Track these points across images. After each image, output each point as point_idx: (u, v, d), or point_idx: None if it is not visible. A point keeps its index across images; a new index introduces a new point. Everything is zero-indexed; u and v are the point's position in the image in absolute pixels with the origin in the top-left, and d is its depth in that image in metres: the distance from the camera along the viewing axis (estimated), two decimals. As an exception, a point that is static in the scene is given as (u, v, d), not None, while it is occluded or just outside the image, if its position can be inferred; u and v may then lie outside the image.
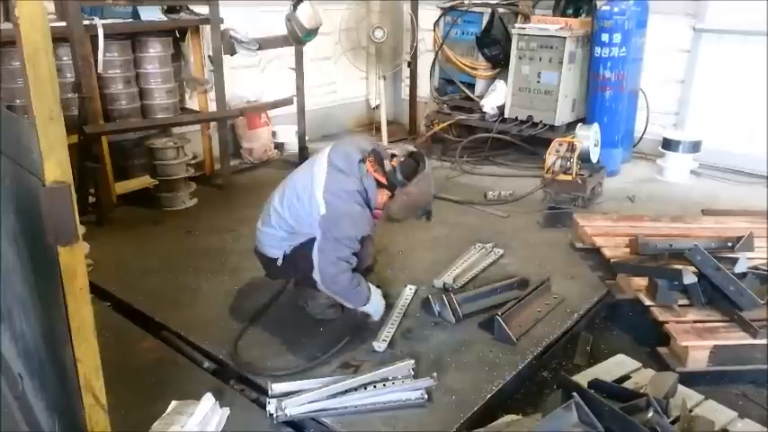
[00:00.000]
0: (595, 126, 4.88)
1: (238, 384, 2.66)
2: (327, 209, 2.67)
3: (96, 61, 4.16)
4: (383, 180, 2.76)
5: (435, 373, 2.56)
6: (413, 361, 2.62)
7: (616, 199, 4.86)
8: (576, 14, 5.54)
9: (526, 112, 5.58)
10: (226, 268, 3.63)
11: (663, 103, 5.65)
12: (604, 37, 5.09)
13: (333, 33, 6.08)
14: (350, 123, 7.00)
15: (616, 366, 2.74)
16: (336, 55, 6.42)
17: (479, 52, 5.97)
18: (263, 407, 2.44)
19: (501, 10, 5.80)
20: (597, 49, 5.17)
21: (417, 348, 2.86)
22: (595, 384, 2.38)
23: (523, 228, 4.29)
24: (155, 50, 4.58)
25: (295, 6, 4.90)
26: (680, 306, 3.05)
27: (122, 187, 4.54)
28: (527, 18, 5.78)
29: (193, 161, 4.92)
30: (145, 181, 4.59)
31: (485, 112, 5.84)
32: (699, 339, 2.81)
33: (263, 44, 5.15)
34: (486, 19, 5.85)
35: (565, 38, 5.26)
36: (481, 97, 5.96)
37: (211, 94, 5.03)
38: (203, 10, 4.74)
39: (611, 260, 3.55)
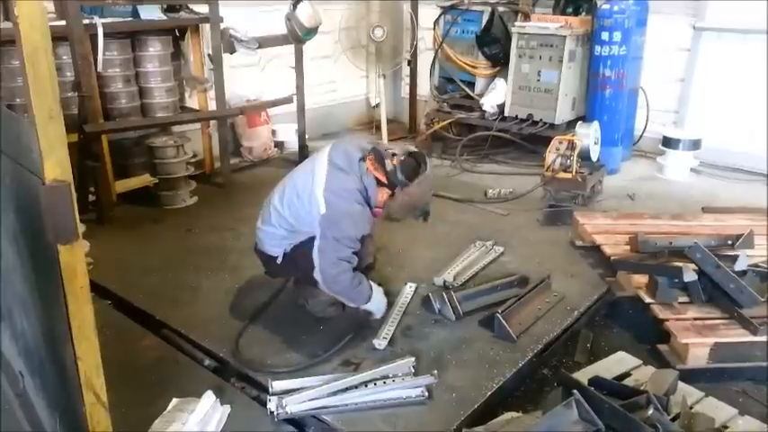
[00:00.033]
0: (595, 124, 4.88)
1: (239, 382, 2.67)
2: (328, 208, 2.67)
3: (96, 60, 4.16)
4: (383, 179, 2.76)
5: (436, 371, 2.56)
6: (413, 358, 2.62)
7: (616, 197, 4.86)
8: (576, 13, 5.54)
9: (526, 110, 5.58)
10: (226, 266, 3.64)
11: (663, 101, 5.65)
12: (604, 35, 5.09)
13: (333, 32, 6.07)
14: (350, 122, 7.00)
15: (616, 364, 2.74)
16: (336, 54, 6.41)
17: (479, 51, 5.97)
18: (264, 404, 2.44)
19: (501, 8, 5.81)
20: (597, 48, 5.17)
21: (418, 346, 2.87)
22: (596, 382, 2.39)
23: (523, 226, 4.29)
24: (154, 49, 4.58)
25: (295, 5, 4.90)
26: (680, 303, 3.05)
27: (122, 186, 4.54)
28: (527, 16, 5.77)
29: (193, 160, 4.92)
30: (145, 179, 4.59)
31: (485, 111, 5.84)
32: (699, 336, 2.81)
33: (263, 43, 5.15)
34: (486, 17, 5.86)
35: (565, 36, 5.26)
36: (481, 96, 5.96)
37: (211, 93, 5.03)
38: (203, 9, 4.74)
39: (612, 258, 3.55)
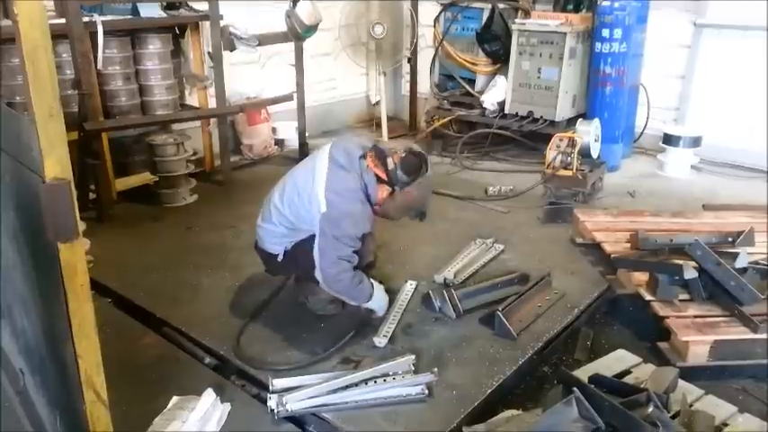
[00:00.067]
0: (596, 121, 4.87)
1: (239, 380, 2.67)
2: (328, 207, 2.67)
3: (96, 58, 4.16)
4: (383, 176, 2.75)
5: (436, 369, 2.56)
6: (413, 356, 2.62)
7: (616, 194, 4.86)
8: (577, 10, 5.52)
9: (526, 107, 5.58)
10: (226, 264, 3.64)
11: (663, 98, 5.64)
12: (605, 32, 5.08)
13: (332, 29, 6.07)
14: (350, 119, 7.00)
15: (616, 361, 2.74)
16: (336, 51, 6.41)
17: (480, 48, 5.96)
18: (264, 402, 2.44)
19: (501, 5, 5.79)
20: (598, 45, 5.17)
21: (418, 344, 2.87)
22: (596, 379, 2.39)
23: (524, 223, 4.29)
24: (154, 47, 4.58)
25: (294, 3, 4.90)
26: (680, 301, 3.05)
27: (122, 184, 4.54)
28: (527, 14, 5.76)
29: (193, 157, 4.92)
30: (145, 177, 4.59)
31: (485, 108, 5.83)
32: (699, 334, 2.81)
33: (263, 40, 5.14)
34: (486, 15, 5.84)
35: (565, 33, 5.25)
36: (481, 93, 5.95)
37: (211, 91, 5.03)
38: (203, 6, 4.73)
39: (612, 255, 3.55)
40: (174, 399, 2.45)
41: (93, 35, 4.08)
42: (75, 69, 3.99)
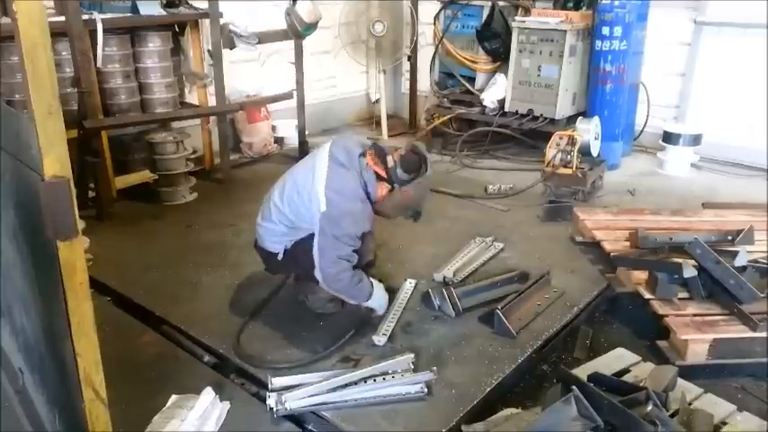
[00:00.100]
0: (596, 119, 4.87)
1: (238, 378, 2.67)
2: (328, 206, 2.66)
3: (95, 56, 4.15)
4: (383, 173, 2.75)
5: (435, 367, 2.56)
6: (413, 355, 2.62)
7: (616, 192, 4.86)
8: (577, 7, 5.52)
9: (526, 105, 5.57)
10: (226, 263, 3.63)
11: (663, 96, 5.64)
12: (605, 30, 5.08)
13: (332, 27, 6.06)
14: (350, 117, 6.99)
15: (616, 360, 2.74)
16: (336, 49, 6.40)
17: (480, 46, 5.96)
18: (264, 401, 2.44)
19: (501, 3, 5.79)
20: (598, 43, 5.16)
21: (417, 342, 2.87)
22: (595, 378, 2.39)
23: (523, 221, 4.29)
24: (154, 45, 4.57)
25: (294, 0, 4.89)
26: (680, 299, 3.05)
27: (122, 182, 4.54)
28: (527, 11, 5.75)
29: (193, 156, 4.92)
30: (144, 175, 4.58)
31: (485, 106, 5.83)
32: (698, 333, 2.81)
33: (263, 38, 5.13)
34: (486, 12, 5.84)
35: (565, 31, 5.24)
36: (481, 91, 5.95)
37: (211, 89, 5.02)
38: (202, 4, 4.73)
39: (612, 254, 3.55)
40: (173, 397, 2.45)
41: (93, 33, 4.08)
42: (74, 67, 3.98)
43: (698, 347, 2.78)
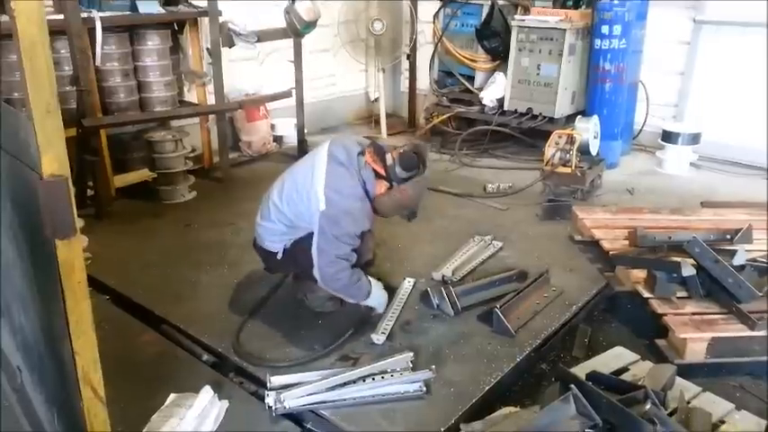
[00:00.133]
0: (595, 118, 4.87)
1: (237, 377, 2.67)
2: (328, 205, 2.66)
3: (94, 54, 4.15)
4: (382, 171, 2.74)
5: (434, 366, 2.56)
6: (411, 353, 2.62)
7: (615, 191, 4.86)
8: (576, 6, 5.52)
9: (526, 104, 5.57)
10: (225, 261, 3.63)
11: (663, 95, 5.64)
12: (604, 29, 5.08)
13: (332, 26, 6.05)
14: (349, 116, 6.99)
15: (614, 358, 2.75)
16: (335, 47, 6.39)
17: (479, 44, 5.95)
18: (262, 399, 2.44)
19: (501, 2, 5.78)
20: (597, 41, 5.16)
21: (416, 341, 2.87)
22: (593, 376, 2.39)
23: (522, 220, 4.29)
24: (153, 43, 4.56)
25: (293, -2, 4.89)
26: (678, 298, 3.05)
27: (121, 180, 4.53)
28: (527, 10, 5.75)
29: (192, 154, 4.92)
30: (143, 174, 4.58)
31: (484, 105, 5.82)
32: (697, 331, 2.81)
33: (262, 36, 5.13)
34: (485, 11, 5.83)
35: (565, 30, 5.24)
36: (481, 89, 5.94)
37: (210, 87, 5.02)
38: (202, 2, 4.73)
39: (610, 252, 3.55)
40: (172, 396, 2.45)
41: (92, 31, 4.07)
42: (73, 66, 3.98)
43: (696, 346, 2.78)
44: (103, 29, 4.12)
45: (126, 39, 4.44)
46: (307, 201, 2.74)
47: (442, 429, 2.32)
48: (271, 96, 5.42)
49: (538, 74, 5.46)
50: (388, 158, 2.72)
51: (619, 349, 2.83)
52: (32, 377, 2.02)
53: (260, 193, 3.12)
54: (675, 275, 3.06)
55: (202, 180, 4.95)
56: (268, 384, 2.50)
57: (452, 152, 5.66)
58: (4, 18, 3.73)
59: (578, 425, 2.06)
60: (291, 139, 5.86)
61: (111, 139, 4.49)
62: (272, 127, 5.94)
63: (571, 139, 4.57)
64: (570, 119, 5.30)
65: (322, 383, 2.45)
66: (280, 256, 2.93)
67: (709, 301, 3.03)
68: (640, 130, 5.77)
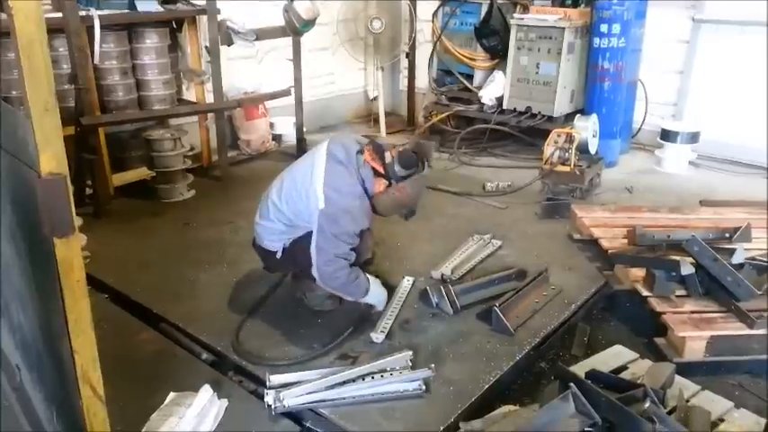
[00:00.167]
0: (594, 117, 4.87)
1: (236, 376, 2.67)
2: (327, 204, 2.66)
3: (92, 52, 4.13)
4: (380, 169, 2.74)
5: (433, 365, 2.56)
6: (411, 352, 2.63)
7: (614, 190, 4.86)
8: (575, 5, 5.51)
9: (525, 103, 5.57)
10: (224, 260, 3.63)
11: (661, 93, 5.64)
12: (603, 28, 5.08)
13: (330, 24, 6.05)
14: (348, 115, 6.98)
15: (613, 357, 2.75)
16: (334, 46, 6.39)
17: (478, 43, 5.95)
18: (262, 398, 2.44)
19: (500, 0, 5.78)
20: (596, 40, 5.16)
21: (415, 340, 2.87)
22: (592, 375, 2.39)
23: (521, 219, 4.29)
24: (151, 41, 4.56)
25: (292, -3, 4.89)
26: (677, 297, 3.06)
27: (119, 179, 4.53)
28: (526, 8, 5.75)
29: (191, 153, 4.91)
30: (142, 173, 4.58)
31: (483, 103, 5.82)
32: (696, 330, 2.82)
33: (261, 35, 5.12)
34: (484, 9, 5.83)
35: (564, 28, 5.24)
36: (480, 88, 5.94)
37: (208, 86, 5.02)
38: (200, 0, 4.72)
39: (609, 251, 3.55)
40: (171, 395, 2.45)
41: (90, 29, 4.06)
42: (71, 64, 3.97)
43: (695, 344, 2.78)
44: (102, 27, 4.11)
45: (124, 37, 4.44)
46: (306, 199, 2.73)
47: (442, 428, 2.32)
48: (269, 95, 5.41)
49: (537, 72, 5.46)
50: (387, 157, 2.72)
51: (618, 348, 2.83)
52: (31, 376, 2.02)
53: (259, 191, 3.11)
54: (674, 274, 3.06)
55: (201, 179, 4.95)
56: (267, 383, 2.50)
57: (451, 151, 5.66)
58: (3, 16, 3.73)
59: (577, 423, 2.06)
60: (290, 137, 5.85)
61: (109, 137, 4.48)
62: (271, 125, 5.93)
63: (570, 138, 4.57)
64: (569, 117, 5.30)
65: (321, 382, 2.45)
66: (279, 255, 2.92)
67: (708, 299, 3.04)
68: (639, 129, 5.77)
